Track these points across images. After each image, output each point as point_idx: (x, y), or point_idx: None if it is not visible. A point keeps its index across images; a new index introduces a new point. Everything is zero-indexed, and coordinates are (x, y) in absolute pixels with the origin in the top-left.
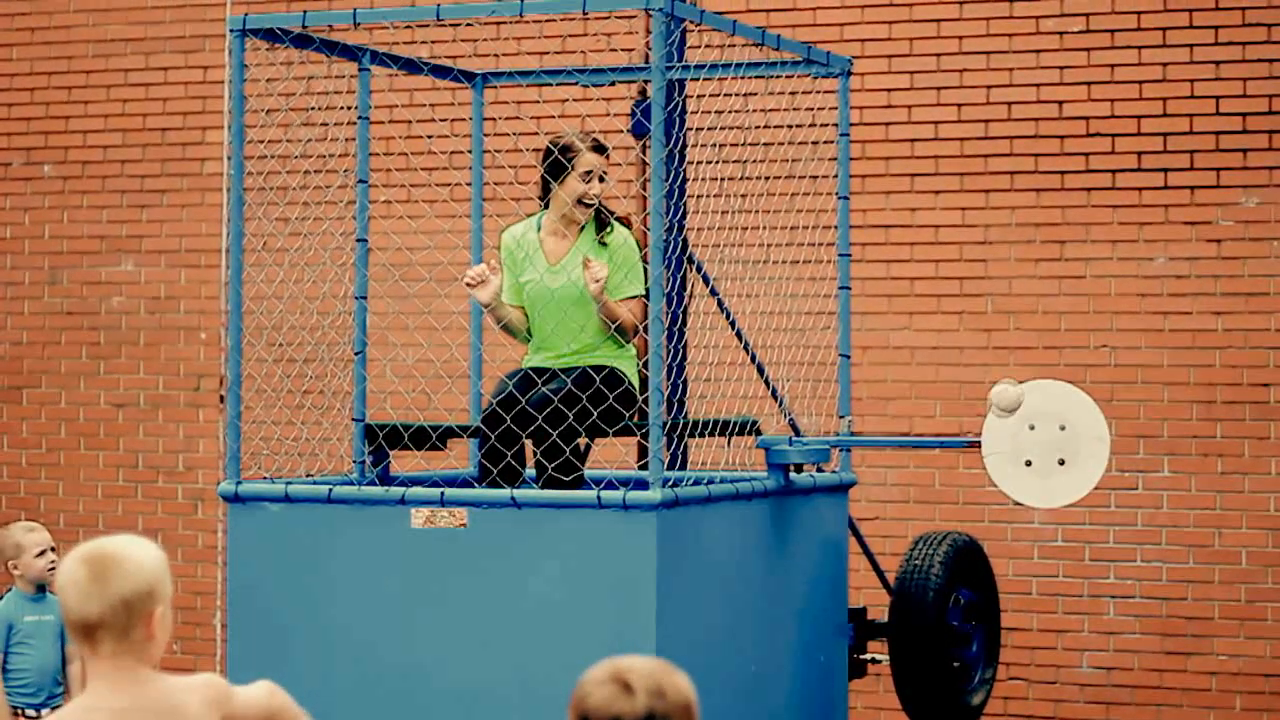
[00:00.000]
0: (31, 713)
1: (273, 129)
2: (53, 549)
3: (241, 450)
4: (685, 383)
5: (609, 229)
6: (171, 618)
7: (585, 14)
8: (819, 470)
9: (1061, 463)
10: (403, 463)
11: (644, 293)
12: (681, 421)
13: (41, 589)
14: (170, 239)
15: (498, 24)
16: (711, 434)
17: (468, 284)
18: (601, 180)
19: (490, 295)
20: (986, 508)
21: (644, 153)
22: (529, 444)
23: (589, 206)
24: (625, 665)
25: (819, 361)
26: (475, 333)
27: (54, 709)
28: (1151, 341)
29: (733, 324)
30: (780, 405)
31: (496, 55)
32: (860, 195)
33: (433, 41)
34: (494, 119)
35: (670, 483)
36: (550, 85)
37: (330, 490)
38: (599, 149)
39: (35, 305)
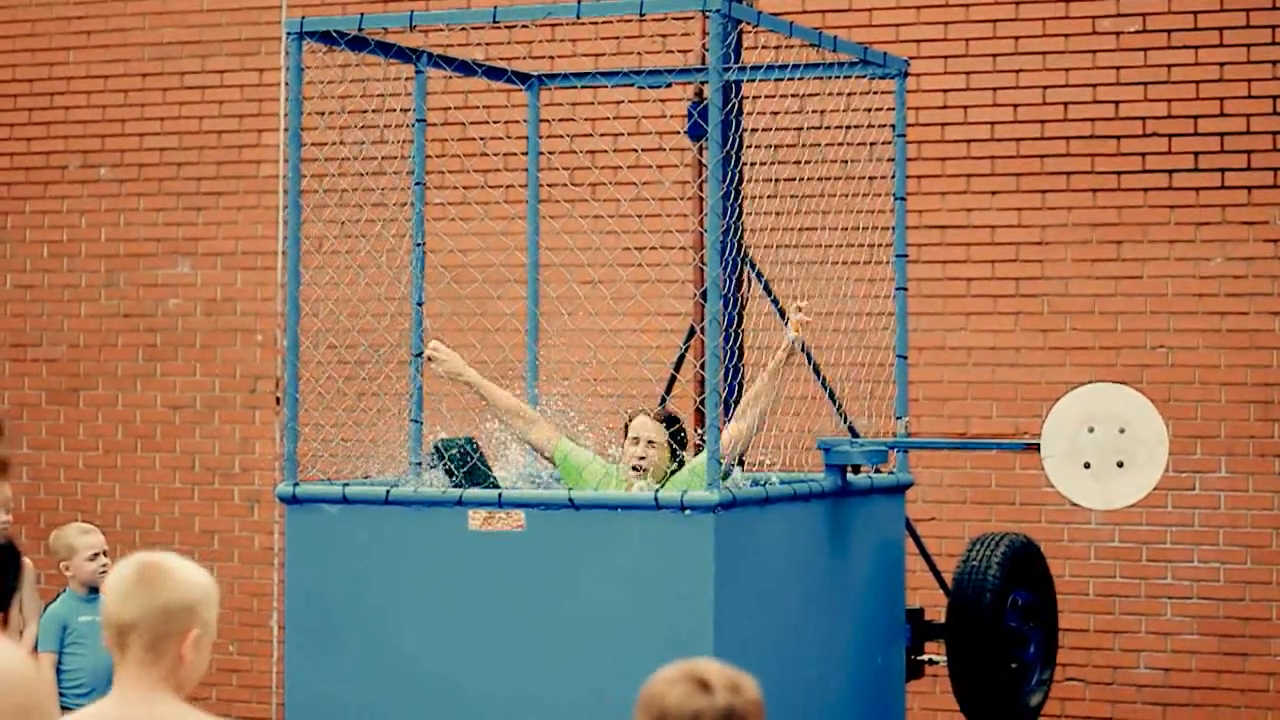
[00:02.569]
0: None
1: (328, 131)
2: (105, 553)
3: (298, 452)
4: (741, 385)
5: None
6: (209, 651)
7: (641, 15)
8: (876, 471)
9: (1120, 465)
10: None
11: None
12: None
13: (94, 590)
14: (226, 241)
15: (553, 26)
16: None
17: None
18: (652, 445)
19: (453, 368)
20: (1043, 508)
21: (701, 154)
22: None
23: (636, 471)
24: (696, 665)
25: (875, 363)
26: (530, 334)
27: None
28: (1209, 342)
29: (789, 325)
30: (836, 406)
31: (552, 57)
32: (916, 196)
33: (488, 44)
34: (549, 121)
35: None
36: (606, 87)
37: (388, 492)
38: (658, 417)
39: (92, 308)
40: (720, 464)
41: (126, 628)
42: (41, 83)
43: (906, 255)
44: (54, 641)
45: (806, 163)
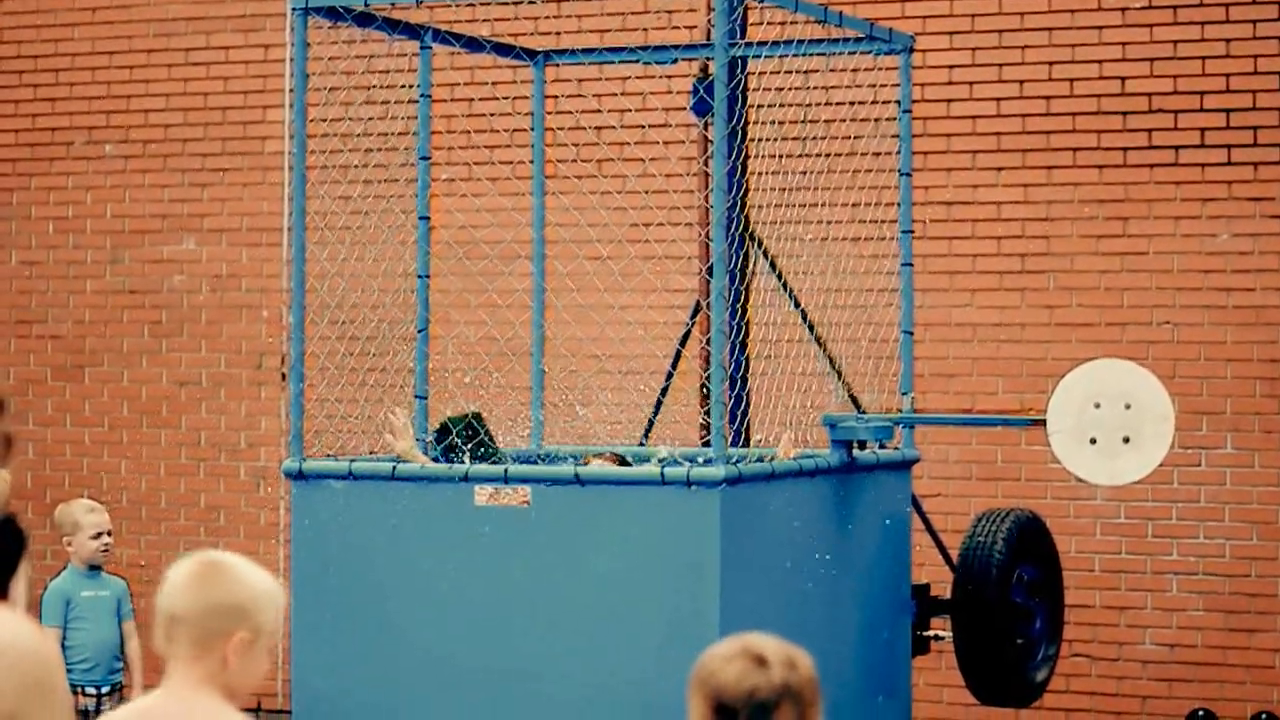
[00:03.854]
0: (91, 690)
1: (334, 107)
2: (109, 533)
3: (304, 428)
4: (747, 361)
5: None
6: (262, 657)
7: None
8: (882, 447)
9: (1126, 441)
10: None
11: None
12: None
13: (94, 567)
14: (231, 217)
15: (559, 2)
16: None
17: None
18: None
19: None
20: (1048, 484)
21: (706, 131)
22: None
23: None
24: (751, 641)
25: (881, 339)
26: (538, 310)
27: (114, 686)
28: (1214, 318)
29: (795, 302)
30: (842, 382)
31: (558, 33)
32: (922, 172)
33: (494, 20)
34: (555, 97)
35: (734, 460)
36: (612, 63)
37: (394, 468)
38: (611, 459)
39: (97, 284)
40: (726, 441)
41: (175, 621)
42: (46, 59)
43: (912, 231)
44: (58, 617)
45: (812, 139)
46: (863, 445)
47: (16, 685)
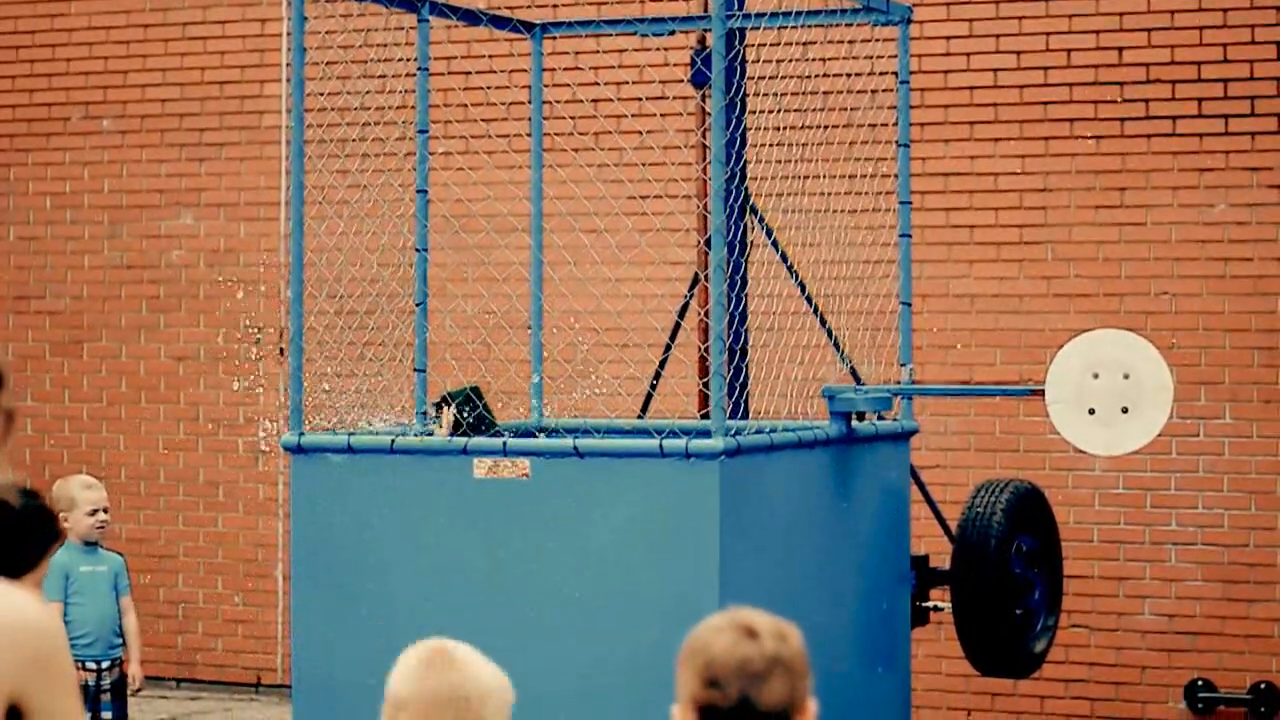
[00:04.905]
0: (91, 665)
1: (332, 81)
2: (105, 509)
3: (303, 402)
4: (746, 332)
5: None
6: None
7: None
8: (880, 418)
9: (1124, 411)
10: None
11: None
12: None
13: (90, 544)
14: (229, 192)
15: None
16: None
17: None
18: None
19: None
20: (1047, 455)
21: (704, 102)
22: None
23: None
24: (741, 614)
25: (879, 310)
26: (536, 283)
27: (114, 661)
28: (1212, 288)
29: (793, 273)
30: (840, 354)
31: (555, 5)
32: (919, 143)
33: None
34: (553, 69)
35: (733, 432)
36: (609, 35)
37: (393, 441)
38: None
39: (95, 259)
40: (725, 412)
41: (398, 706)
42: (43, 34)
43: (910, 202)
44: (58, 591)
45: (810, 110)
46: (861, 416)
47: (21, 661)
